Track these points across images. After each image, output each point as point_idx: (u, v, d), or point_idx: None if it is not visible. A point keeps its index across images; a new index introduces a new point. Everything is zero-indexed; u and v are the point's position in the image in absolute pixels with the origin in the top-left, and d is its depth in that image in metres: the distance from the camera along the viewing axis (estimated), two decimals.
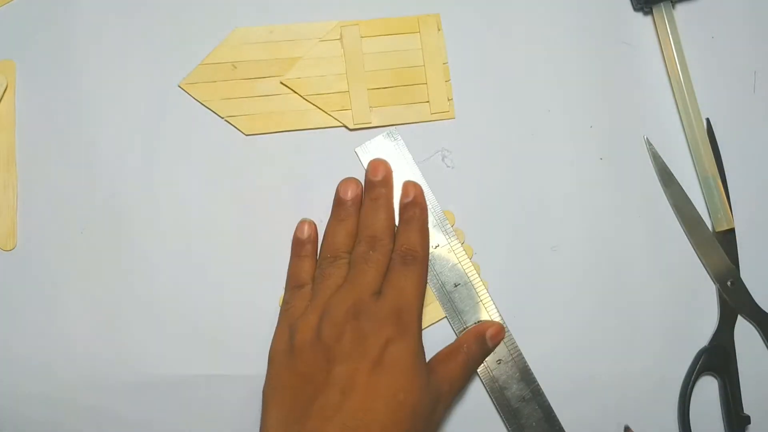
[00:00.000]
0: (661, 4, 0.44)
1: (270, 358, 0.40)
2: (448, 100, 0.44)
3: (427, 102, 0.43)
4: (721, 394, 0.43)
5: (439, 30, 0.44)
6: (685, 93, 0.44)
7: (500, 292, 0.43)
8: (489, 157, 0.44)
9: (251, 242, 0.42)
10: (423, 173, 0.43)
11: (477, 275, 0.42)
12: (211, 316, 0.42)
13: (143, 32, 0.43)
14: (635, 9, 0.45)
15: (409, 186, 0.42)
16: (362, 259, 0.40)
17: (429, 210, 0.42)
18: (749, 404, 0.43)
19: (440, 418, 0.39)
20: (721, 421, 0.43)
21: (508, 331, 0.42)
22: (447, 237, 0.42)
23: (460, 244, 0.42)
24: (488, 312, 0.42)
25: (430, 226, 0.42)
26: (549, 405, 0.42)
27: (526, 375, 0.42)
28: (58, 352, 0.41)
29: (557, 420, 0.42)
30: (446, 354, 0.41)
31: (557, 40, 0.45)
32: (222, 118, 0.43)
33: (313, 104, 0.43)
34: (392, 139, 0.43)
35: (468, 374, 0.41)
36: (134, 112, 0.43)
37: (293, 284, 0.41)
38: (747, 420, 0.42)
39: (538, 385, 0.42)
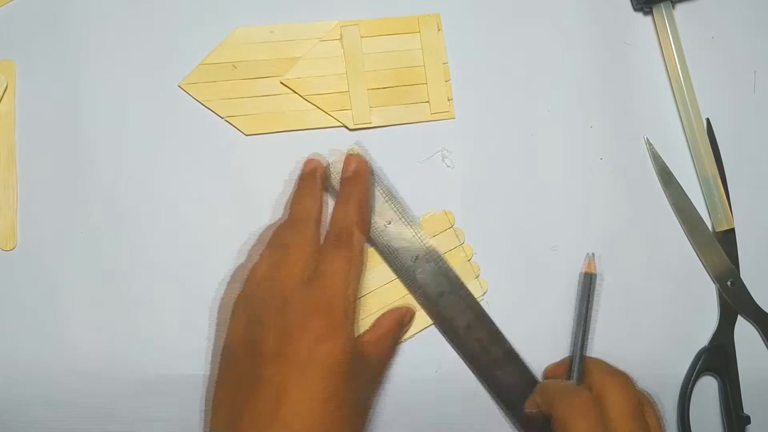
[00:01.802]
0: (661, 4, 0.44)
1: (221, 355, 0.38)
2: (448, 100, 0.44)
3: (427, 102, 0.43)
4: (721, 394, 0.43)
5: (439, 30, 0.44)
6: (685, 93, 0.44)
7: (500, 293, 0.43)
8: (489, 157, 0.44)
9: (251, 242, 0.42)
10: (423, 173, 0.43)
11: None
12: (212, 316, 0.42)
13: (143, 32, 0.43)
14: (635, 9, 0.45)
15: (352, 159, 0.40)
16: (283, 244, 0.38)
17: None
18: (749, 404, 0.43)
19: (374, 398, 0.39)
20: (721, 421, 0.43)
21: None
22: (413, 233, 0.42)
23: (420, 240, 0.41)
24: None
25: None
26: (496, 328, 0.41)
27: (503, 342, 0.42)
28: (58, 352, 0.41)
29: (505, 340, 0.41)
30: (373, 336, 0.39)
31: (557, 40, 0.45)
32: (222, 118, 0.43)
33: (313, 104, 0.43)
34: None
35: (395, 350, 0.41)
36: (134, 112, 0.43)
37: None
38: (747, 420, 0.42)
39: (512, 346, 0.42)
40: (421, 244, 0.41)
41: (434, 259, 0.41)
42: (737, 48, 0.45)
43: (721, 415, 0.43)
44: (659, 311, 0.43)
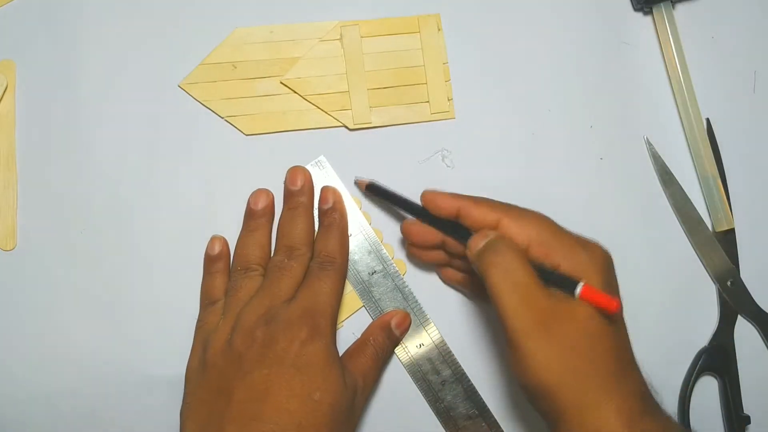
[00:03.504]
0: (661, 4, 0.44)
1: (186, 377, 0.39)
2: (448, 100, 0.44)
3: (427, 102, 0.43)
4: (721, 394, 0.43)
5: (439, 30, 0.44)
6: (685, 93, 0.44)
7: None
8: (489, 157, 0.44)
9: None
10: (423, 173, 0.43)
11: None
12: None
13: (143, 32, 0.43)
14: (635, 9, 0.45)
15: (329, 192, 0.41)
16: (277, 267, 0.39)
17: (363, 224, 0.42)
18: (749, 404, 0.43)
19: (359, 411, 0.39)
20: (721, 421, 0.43)
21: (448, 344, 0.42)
22: (362, 227, 0.42)
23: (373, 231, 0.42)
24: (405, 298, 0.42)
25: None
26: (474, 387, 0.42)
27: (451, 364, 0.42)
28: (58, 352, 0.41)
29: (480, 397, 0.42)
30: (355, 349, 0.40)
31: (557, 40, 0.45)
32: (222, 118, 0.43)
33: (313, 104, 0.43)
34: (320, 168, 0.43)
35: (379, 365, 0.40)
36: (134, 112, 0.43)
37: (206, 301, 0.41)
38: (747, 420, 0.42)
39: (461, 367, 0.42)
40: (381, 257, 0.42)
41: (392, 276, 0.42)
42: (737, 48, 0.45)
43: (721, 415, 0.43)
44: (659, 311, 0.43)
